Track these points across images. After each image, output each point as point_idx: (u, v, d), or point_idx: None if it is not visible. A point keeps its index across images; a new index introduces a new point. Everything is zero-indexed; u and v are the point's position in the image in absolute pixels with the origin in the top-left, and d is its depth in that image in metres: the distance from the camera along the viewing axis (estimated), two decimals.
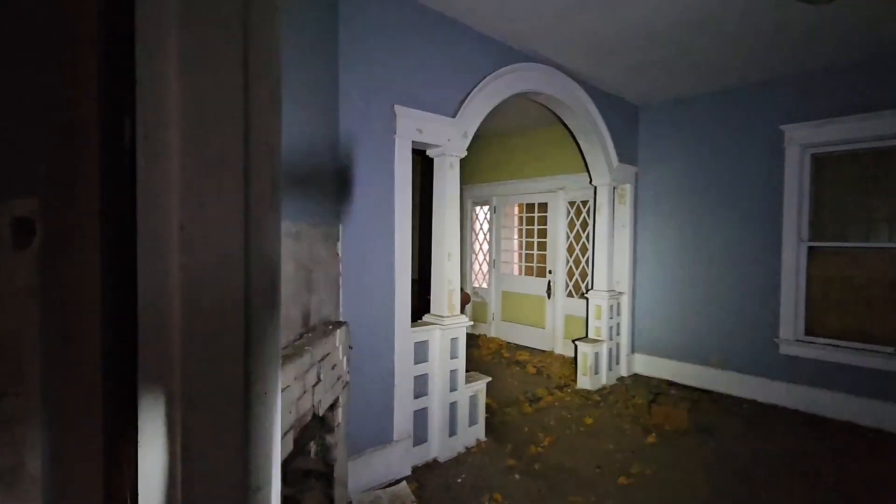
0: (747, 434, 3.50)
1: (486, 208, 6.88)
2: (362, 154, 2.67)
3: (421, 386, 3.02)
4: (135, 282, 0.62)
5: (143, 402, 0.63)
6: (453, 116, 3.11)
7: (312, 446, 2.19)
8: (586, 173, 4.78)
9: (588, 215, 5.47)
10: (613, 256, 4.80)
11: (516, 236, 6.54)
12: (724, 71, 3.96)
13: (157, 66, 0.59)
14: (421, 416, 3.02)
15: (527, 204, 6.32)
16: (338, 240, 2.52)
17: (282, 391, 0.85)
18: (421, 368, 3.01)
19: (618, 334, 4.82)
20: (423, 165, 5.96)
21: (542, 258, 6.06)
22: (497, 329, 6.58)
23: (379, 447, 2.75)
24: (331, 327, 2.19)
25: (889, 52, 3.49)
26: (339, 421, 2.26)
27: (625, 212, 4.90)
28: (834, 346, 3.84)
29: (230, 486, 0.70)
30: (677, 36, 3.31)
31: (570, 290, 5.71)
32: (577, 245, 5.63)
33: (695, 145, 4.63)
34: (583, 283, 5.55)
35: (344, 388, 2.31)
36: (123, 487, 0.62)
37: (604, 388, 4.53)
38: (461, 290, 4.85)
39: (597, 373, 4.51)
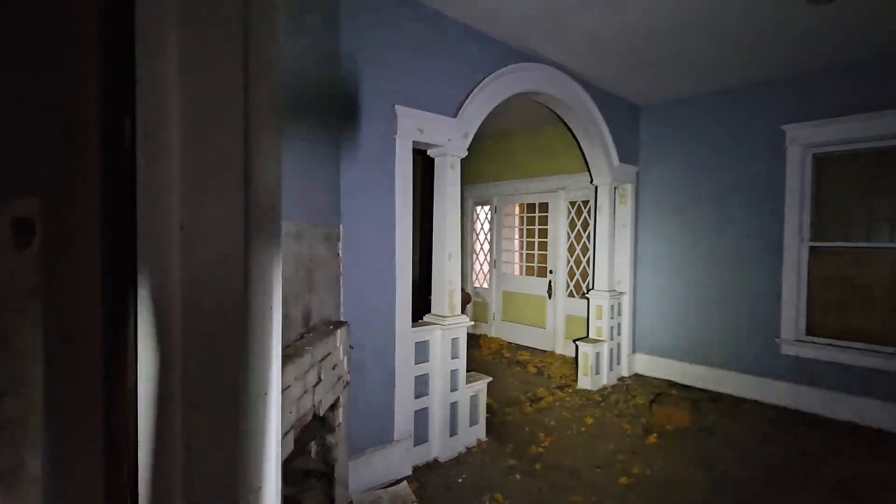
0: (748, 434, 3.50)
1: (486, 208, 6.88)
2: (363, 154, 2.67)
3: (422, 386, 3.02)
4: (135, 282, 0.62)
5: (143, 402, 0.63)
6: (454, 116, 3.11)
7: (313, 446, 2.19)
8: (587, 173, 4.78)
9: (589, 215, 5.46)
10: (614, 256, 4.80)
11: (517, 236, 6.54)
12: (724, 71, 3.95)
13: (158, 66, 0.59)
14: (422, 416, 3.02)
15: (528, 204, 6.32)
16: (338, 240, 2.52)
17: (282, 391, 0.85)
18: (422, 368, 3.01)
19: (618, 334, 4.82)
20: (423, 165, 5.96)
21: (543, 258, 6.06)
22: (498, 329, 6.58)
23: (380, 447, 2.75)
24: (331, 327, 2.19)
25: (890, 51, 3.49)
26: (340, 421, 2.26)
27: (626, 211, 4.89)
28: (835, 345, 3.83)
29: (230, 486, 0.70)
30: (678, 36, 3.30)
31: (571, 290, 5.70)
32: (578, 245, 5.63)
33: (696, 145, 4.62)
34: (584, 283, 5.55)
35: (345, 388, 2.31)
36: (123, 487, 0.62)
37: (605, 388, 4.52)
38: (462, 290, 4.84)
39: (597, 373, 4.51)
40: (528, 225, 6.35)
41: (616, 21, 3.10)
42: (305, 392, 1.72)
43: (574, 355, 5.02)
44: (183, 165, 0.62)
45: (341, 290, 2.56)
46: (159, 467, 0.64)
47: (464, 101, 3.16)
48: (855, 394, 3.72)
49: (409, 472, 2.87)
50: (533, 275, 6.22)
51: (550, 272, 5.90)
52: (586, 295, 4.89)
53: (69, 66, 0.57)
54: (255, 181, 0.69)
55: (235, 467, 0.70)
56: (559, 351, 5.77)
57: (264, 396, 0.74)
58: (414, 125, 2.87)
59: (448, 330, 3.08)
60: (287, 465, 1.74)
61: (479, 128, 3.31)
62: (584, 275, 5.54)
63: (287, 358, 1.57)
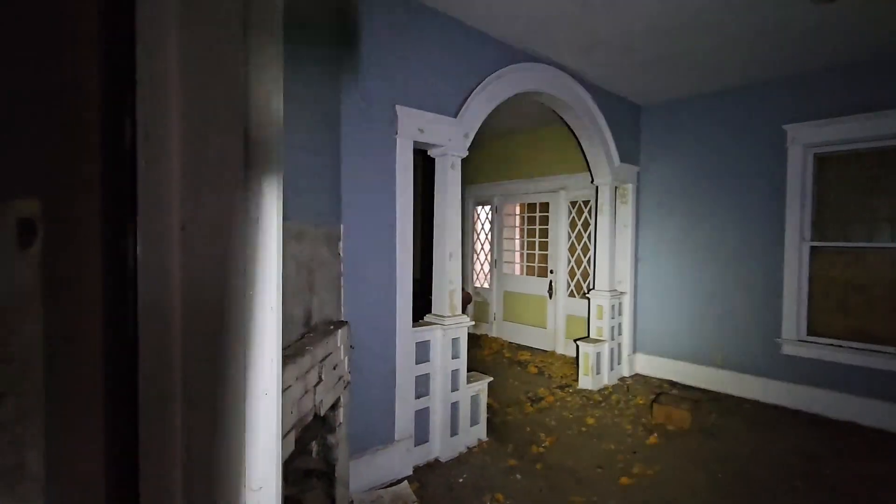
0: (749, 434, 3.49)
1: (487, 208, 6.88)
2: (364, 154, 2.67)
3: (422, 386, 3.02)
4: (135, 282, 0.62)
5: (143, 401, 0.63)
6: (455, 116, 3.11)
7: (314, 446, 2.19)
8: (588, 173, 4.78)
9: (589, 215, 5.46)
10: (615, 256, 4.79)
11: (518, 236, 6.54)
12: (725, 70, 3.95)
13: (158, 66, 0.59)
14: (422, 416, 3.02)
15: (528, 204, 6.32)
16: (339, 240, 2.52)
17: (283, 391, 0.85)
18: (422, 368, 3.01)
19: (619, 334, 4.82)
20: (424, 165, 5.96)
21: (544, 258, 6.06)
22: (498, 329, 6.58)
23: (380, 447, 2.75)
24: (332, 327, 2.20)
25: (891, 51, 3.48)
26: (341, 421, 2.26)
27: (626, 211, 4.89)
28: (836, 346, 3.83)
29: (231, 486, 0.70)
30: (679, 35, 3.30)
31: (572, 290, 5.70)
32: (579, 245, 5.63)
33: (697, 145, 4.62)
34: (584, 282, 5.55)
35: (345, 387, 2.31)
36: (124, 487, 0.63)
37: (605, 388, 4.52)
38: (463, 289, 4.85)
39: (598, 373, 4.51)
40: (528, 225, 6.35)
41: (618, 21, 3.10)
42: (306, 392, 1.72)
43: (575, 355, 5.02)
44: (183, 165, 0.62)
45: (342, 290, 2.56)
46: (160, 467, 0.64)
47: (464, 101, 3.16)
48: (856, 394, 3.71)
49: (410, 472, 2.87)
50: (534, 275, 6.22)
51: (551, 272, 5.90)
52: (587, 295, 4.88)
53: (69, 67, 0.57)
54: (256, 181, 0.69)
55: (236, 467, 0.70)
56: (560, 351, 5.77)
57: (265, 396, 0.74)
58: (414, 125, 2.87)
59: (449, 330, 3.08)
60: (288, 465, 1.74)
61: (480, 128, 3.31)
62: (585, 275, 5.54)
63: (288, 358, 1.57)
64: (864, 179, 3.81)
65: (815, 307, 4.02)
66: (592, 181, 4.73)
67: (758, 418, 3.81)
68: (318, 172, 2.20)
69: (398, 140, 2.82)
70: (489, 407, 3.69)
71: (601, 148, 4.43)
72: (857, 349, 3.73)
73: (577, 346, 4.56)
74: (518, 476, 2.87)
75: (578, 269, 5.64)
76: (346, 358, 2.32)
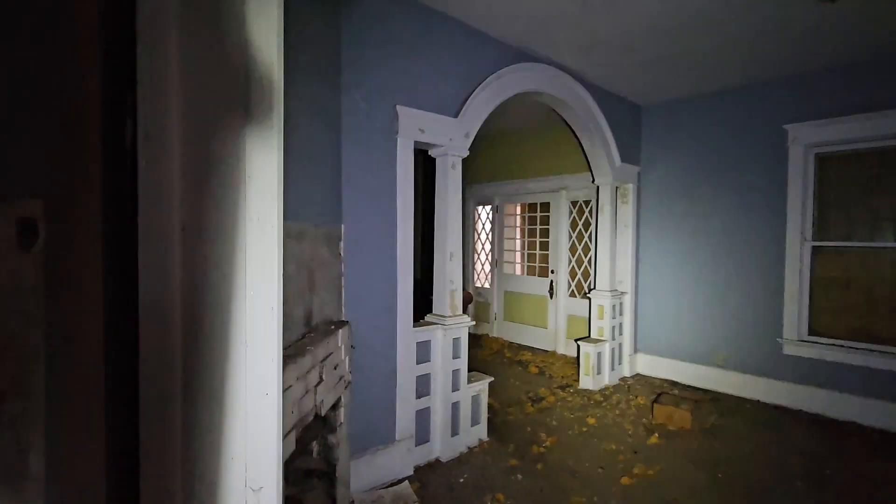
0: (750, 434, 3.49)
1: (488, 208, 6.88)
2: (364, 154, 2.68)
3: (423, 386, 3.02)
4: (136, 282, 0.62)
5: (144, 401, 0.63)
6: (455, 116, 3.11)
7: (315, 446, 2.19)
8: (588, 173, 4.78)
9: (590, 215, 5.46)
10: (616, 256, 4.79)
11: (518, 236, 6.53)
12: (726, 70, 3.94)
13: (158, 66, 0.59)
14: (423, 416, 3.02)
15: (529, 203, 6.31)
16: (340, 240, 2.52)
17: (284, 391, 0.85)
18: (423, 368, 3.01)
19: (620, 334, 4.81)
20: (425, 165, 5.96)
21: (545, 258, 6.05)
22: (499, 329, 6.58)
23: (381, 447, 2.75)
24: (333, 327, 2.20)
25: (893, 50, 3.47)
26: (342, 421, 2.26)
27: (627, 211, 4.88)
28: (838, 346, 3.82)
29: (231, 486, 0.71)
30: (679, 35, 3.30)
31: (573, 290, 5.70)
32: (580, 245, 5.62)
33: (698, 145, 4.61)
34: (585, 282, 5.54)
35: (346, 387, 2.31)
36: (125, 486, 0.63)
37: (606, 388, 4.52)
38: (463, 289, 4.84)
39: (599, 373, 4.51)
40: (529, 225, 6.35)
41: (618, 21, 3.10)
42: (307, 392, 1.72)
43: (576, 355, 5.02)
44: (183, 166, 0.62)
45: (343, 289, 2.56)
46: (160, 467, 0.64)
47: (465, 101, 3.16)
48: (857, 394, 3.70)
49: (411, 472, 2.87)
50: (534, 274, 6.22)
51: (552, 272, 5.90)
52: (588, 295, 4.88)
53: (71, 68, 0.57)
54: (256, 181, 0.69)
55: (237, 467, 0.70)
56: (561, 351, 5.76)
57: (265, 396, 0.74)
58: (415, 125, 2.87)
59: (449, 330, 3.08)
60: (289, 465, 1.75)
61: (481, 127, 3.31)
62: (586, 274, 5.54)
63: (288, 358, 1.57)
64: (866, 179, 3.80)
65: (816, 307, 4.02)
66: (593, 181, 4.73)
67: (759, 418, 3.80)
68: (319, 172, 2.20)
69: (399, 140, 2.82)
70: (490, 407, 3.69)
71: (602, 148, 4.42)
72: (858, 349, 3.73)
73: (578, 346, 4.55)
74: (519, 476, 2.87)
75: (579, 269, 5.64)
76: (347, 358, 2.32)
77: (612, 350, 4.65)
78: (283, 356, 0.81)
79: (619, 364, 4.81)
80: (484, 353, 5.79)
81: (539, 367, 5.19)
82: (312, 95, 2.08)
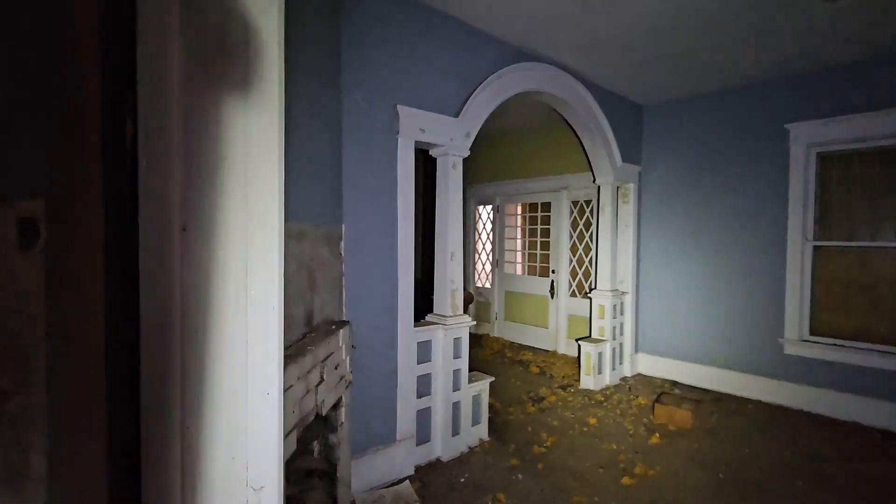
0: (752, 435, 3.49)
1: (489, 208, 6.88)
2: (365, 154, 2.68)
3: (424, 385, 3.02)
4: (137, 282, 0.63)
5: (145, 401, 0.64)
6: (456, 116, 3.11)
7: (316, 446, 2.20)
8: (589, 172, 4.77)
9: (591, 215, 5.45)
10: (617, 256, 4.79)
11: (519, 236, 6.53)
12: (727, 70, 3.93)
13: (158, 67, 0.59)
14: (424, 416, 3.02)
15: (530, 203, 6.31)
16: (340, 240, 2.53)
17: (284, 391, 0.85)
18: (424, 368, 3.01)
19: (621, 334, 4.81)
20: (426, 165, 5.96)
21: (546, 258, 6.05)
22: (500, 329, 6.58)
23: (382, 447, 2.75)
24: (334, 327, 2.20)
25: (895, 49, 3.47)
26: (343, 420, 2.26)
27: (628, 211, 4.88)
28: (840, 346, 3.82)
29: (233, 485, 0.71)
30: (680, 35, 3.29)
31: (574, 290, 5.70)
32: (581, 244, 5.62)
33: (699, 144, 4.61)
34: (586, 282, 5.54)
35: (347, 387, 2.32)
36: (126, 486, 0.63)
37: (607, 387, 4.51)
38: (464, 289, 4.85)
39: (600, 372, 4.50)
40: (530, 224, 6.35)
41: (620, 20, 3.09)
42: (308, 392, 1.73)
43: (576, 355, 5.01)
44: (184, 166, 0.62)
45: (343, 289, 2.56)
46: (161, 466, 0.64)
47: (466, 101, 3.16)
48: (859, 394, 3.70)
49: (412, 472, 2.87)
50: (535, 274, 6.21)
51: (553, 272, 5.89)
52: (589, 294, 4.88)
53: (71, 69, 0.58)
54: (257, 181, 0.69)
55: (238, 466, 0.70)
56: (562, 350, 5.76)
57: (266, 396, 0.75)
58: (416, 125, 2.87)
59: (450, 330, 3.08)
60: (290, 465, 1.75)
61: (482, 127, 3.31)
62: (587, 274, 5.54)
63: (289, 358, 1.57)
64: (867, 178, 3.80)
65: (817, 307, 4.01)
66: (594, 181, 4.73)
67: (760, 418, 3.80)
68: (319, 172, 2.20)
69: (399, 140, 2.82)
70: (491, 407, 3.69)
71: (603, 147, 4.42)
72: (860, 349, 3.72)
73: (579, 346, 4.55)
74: (520, 476, 2.87)
75: (580, 269, 5.64)
76: (348, 358, 2.32)
77: (613, 350, 4.65)
78: (284, 356, 0.81)
79: (620, 364, 4.81)
80: (485, 353, 5.79)
81: (540, 366, 5.19)
82: (313, 95, 2.08)
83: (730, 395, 4.32)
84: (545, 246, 6.06)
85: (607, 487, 2.74)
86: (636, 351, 5.00)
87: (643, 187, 5.00)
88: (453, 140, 3.08)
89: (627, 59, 3.76)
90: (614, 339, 4.66)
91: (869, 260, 3.78)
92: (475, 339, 6.41)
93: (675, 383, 4.65)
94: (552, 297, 5.88)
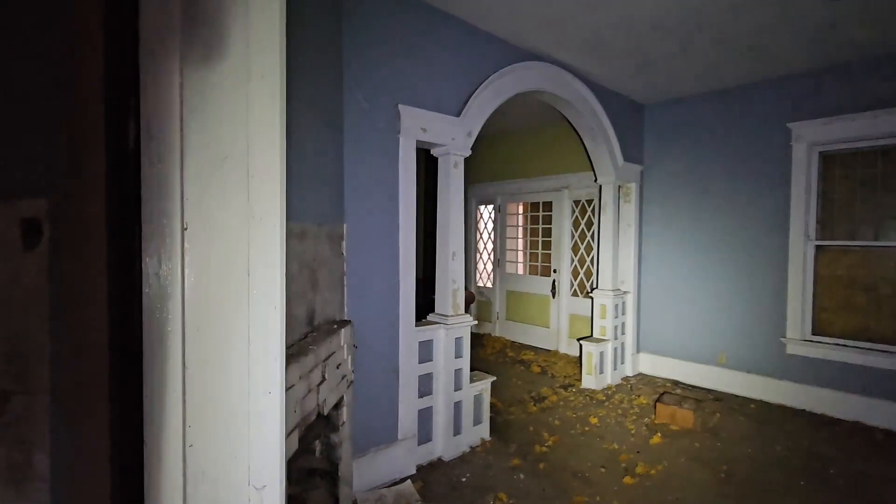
0: (754, 434, 3.48)
1: (490, 207, 6.87)
2: (367, 153, 2.68)
3: (425, 385, 3.02)
4: (140, 282, 0.63)
5: (147, 400, 0.64)
6: (457, 115, 3.11)
7: (317, 445, 2.20)
8: (591, 172, 4.77)
9: (593, 214, 5.45)
10: (618, 255, 4.78)
11: (521, 235, 6.53)
12: (728, 69, 3.93)
13: (161, 68, 0.59)
14: (425, 416, 3.02)
15: (531, 203, 6.31)
16: (342, 239, 2.53)
17: (286, 390, 0.85)
18: (425, 367, 3.01)
19: (623, 333, 4.81)
20: (427, 165, 5.96)
21: (547, 257, 6.05)
22: (501, 328, 6.58)
23: (383, 446, 2.76)
24: (335, 326, 2.20)
25: None
26: (344, 420, 2.26)
27: (630, 210, 4.87)
28: (842, 345, 3.81)
29: (235, 484, 0.71)
30: (682, 34, 3.29)
31: (575, 290, 5.69)
32: (582, 244, 5.62)
33: (700, 143, 4.60)
34: (587, 282, 5.54)
35: (348, 387, 2.32)
36: (129, 485, 0.63)
37: (609, 387, 4.51)
38: (465, 289, 4.85)
39: (602, 372, 4.50)
40: (531, 224, 6.35)
41: (621, 19, 3.09)
42: (310, 391, 1.73)
43: (578, 354, 5.01)
44: (186, 166, 0.62)
45: (345, 289, 2.56)
46: (164, 465, 0.64)
47: (467, 100, 3.16)
48: (861, 394, 3.69)
49: (413, 471, 2.88)
50: (537, 274, 6.21)
51: (554, 271, 5.89)
52: (590, 294, 4.87)
53: (74, 70, 0.58)
54: (258, 181, 0.69)
55: (240, 465, 0.71)
56: (563, 350, 5.76)
57: (268, 395, 0.75)
58: (417, 124, 2.87)
59: (451, 329, 3.08)
60: (291, 464, 1.75)
61: (483, 127, 3.31)
62: (588, 274, 5.53)
63: (291, 357, 1.57)
64: (870, 177, 3.79)
65: (820, 306, 4.00)
66: (596, 180, 4.72)
67: (762, 418, 3.79)
68: (321, 172, 2.20)
69: (401, 139, 2.82)
70: (492, 406, 3.69)
71: (604, 146, 4.41)
72: (862, 349, 3.71)
73: (581, 346, 4.55)
74: (521, 475, 2.87)
75: (581, 269, 5.63)
76: (350, 357, 2.32)
77: (615, 349, 4.64)
78: (286, 355, 0.81)
79: (622, 363, 4.81)
80: (486, 353, 5.79)
81: (541, 366, 5.19)
82: (314, 95, 2.08)
83: (731, 394, 4.32)
84: (546, 245, 6.05)
85: (609, 487, 2.74)
86: (638, 350, 4.99)
87: (645, 186, 4.99)
88: (455, 139, 3.08)
89: (629, 58, 3.75)
90: (616, 338, 4.66)
91: (871, 259, 3.77)
92: (476, 338, 6.41)
93: (676, 383, 4.65)
94: (553, 296, 5.88)
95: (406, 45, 2.83)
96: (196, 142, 0.62)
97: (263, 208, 0.69)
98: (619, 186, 4.78)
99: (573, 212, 5.72)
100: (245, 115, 0.65)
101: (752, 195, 4.27)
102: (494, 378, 3.46)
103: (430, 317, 3.19)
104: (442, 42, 3.03)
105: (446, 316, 3.11)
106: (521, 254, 6.51)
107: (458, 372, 3.13)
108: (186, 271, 0.64)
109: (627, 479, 2.81)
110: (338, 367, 2.10)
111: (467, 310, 4.41)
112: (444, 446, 3.07)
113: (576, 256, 5.69)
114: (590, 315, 4.94)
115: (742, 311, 4.34)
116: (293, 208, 1.73)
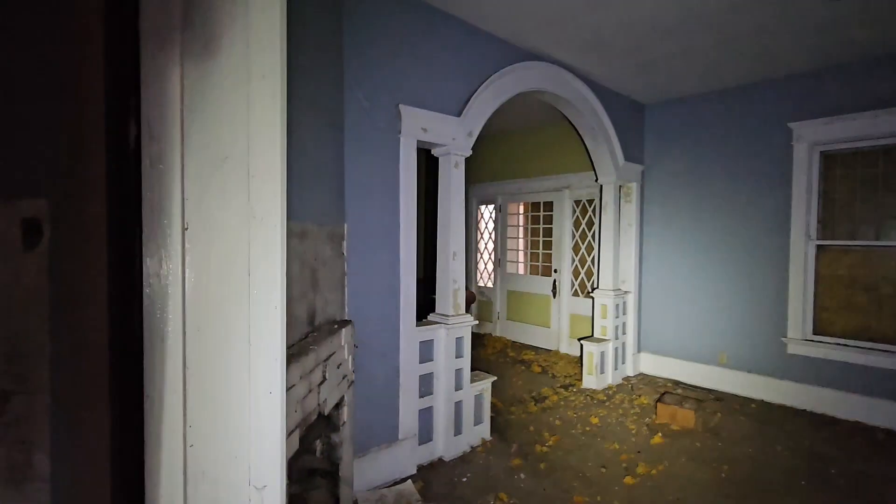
0: (755, 434, 3.48)
1: (491, 207, 6.87)
2: (367, 153, 2.68)
3: (426, 385, 3.02)
4: (140, 282, 0.63)
5: (148, 400, 0.64)
6: (458, 115, 3.11)
7: (318, 445, 2.20)
8: (592, 172, 4.77)
9: (594, 214, 5.45)
10: (619, 255, 4.78)
11: (521, 235, 6.53)
12: (729, 68, 3.92)
13: (161, 68, 0.59)
14: (426, 415, 3.02)
15: (532, 203, 6.31)
16: (343, 239, 2.53)
17: (287, 390, 0.85)
18: (426, 367, 3.01)
19: (623, 333, 4.80)
20: (428, 164, 5.96)
21: (548, 257, 6.05)
22: (502, 328, 6.58)
23: (384, 446, 2.76)
24: (336, 326, 2.20)
25: None
26: (345, 419, 2.26)
27: (631, 210, 4.87)
28: (843, 345, 3.80)
29: (236, 484, 0.71)
30: (683, 33, 3.28)
31: (576, 289, 5.69)
32: (583, 244, 5.61)
33: (701, 143, 4.59)
34: (588, 282, 5.53)
35: (349, 386, 2.32)
36: (129, 485, 0.63)
37: (609, 387, 4.51)
38: (466, 289, 4.84)
39: (602, 372, 4.50)
40: (532, 224, 6.34)
41: (622, 19, 3.09)
42: (310, 391, 1.73)
43: (579, 354, 5.01)
44: (187, 166, 0.62)
45: (346, 289, 2.56)
46: (164, 465, 0.64)
47: (468, 100, 3.16)
48: (862, 393, 3.68)
49: (414, 471, 2.88)
50: (537, 274, 6.21)
51: (555, 271, 5.89)
52: (591, 294, 4.87)
53: (75, 70, 0.58)
54: (259, 181, 0.69)
55: (240, 465, 0.71)
56: (564, 350, 5.76)
57: (269, 395, 0.75)
58: (418, 124, 2.87)
59: (452, 329, 3.08)
60: (292, 464, 1.75)
61: (484, 127, 3.31)
62: (589, 274, 5.53)
63: (292, 357, 1.57)
64: (871, 177, 3.78)
65: (821, 306, 4.00)
66: (596, 180, 4.72)
67: (763, 418, 3.79)
68: (322, 171, 2.20)
69: (401, 139, 2.82)
70: (493, 406, 3.69)
71: (605, 146, 4.41)
72: (863, 348, 3.71)
73: (581, 346, 4.55)
74: (522, 475, 2.86)
75: (582, 268, 5.63)
76: (350, 357, 2.32)
77: (616, 349, 4.64)
78: (287, 355, 0.81)
79: (623, 363, 4.80)
80: (487, 353, 5.79)
81: (542, 366, 5.19)
82: (314, 94, 2.08)
83: (732, 394, 4.31)
84: (547, 245, 6.05)
85: (609, 487, 2.74)
86: (638, 350, 4.99)
87: (646, 186, 4.99)
88: (455, 139, 3.08)
89: (630, 58, 3.75)
90: (616, 338, 4.66)
91: (872, 259, 3.77)
92: (477, 338, 6.40)
93: (677, 383, 4.64)
94: (554, 296, 5.88)
95: (407, 44, 2.83)
96: (196, 142, 0.62)
97: (264, 208, 0.69)
98: (620, 186, 4.78)
99: (574, 212, 5.71)
100: (246, 115, 0.65)
101: (753, 195, 4.27)
102: (495, 378, 3.46)
103: (431, 317, 3.19)
104: (442, 42, 3.03)
105: (447, 316, 3.10)
106: (521, 254, 6.51)
107: (458, 372, 3.13)
108: (187, 271, 0.64)
109: (628, 479, 2.81)
110: (339, 367, 2.10)
111: (468, 310, 4.41)
112: (444, 446, 3.07)
113: (576, 256, 5.68)
114: (590, 315, 4.94)
115: (743, 310, 4.34)
116: (294, 208, 1.73)
